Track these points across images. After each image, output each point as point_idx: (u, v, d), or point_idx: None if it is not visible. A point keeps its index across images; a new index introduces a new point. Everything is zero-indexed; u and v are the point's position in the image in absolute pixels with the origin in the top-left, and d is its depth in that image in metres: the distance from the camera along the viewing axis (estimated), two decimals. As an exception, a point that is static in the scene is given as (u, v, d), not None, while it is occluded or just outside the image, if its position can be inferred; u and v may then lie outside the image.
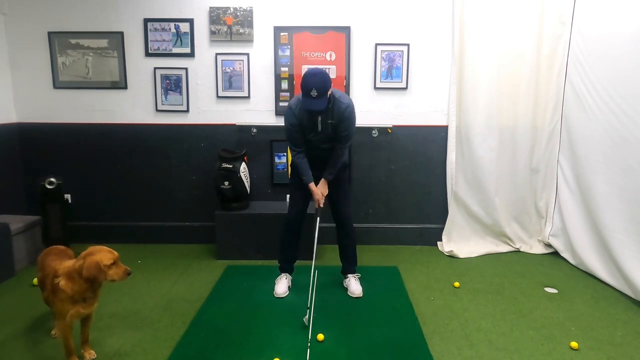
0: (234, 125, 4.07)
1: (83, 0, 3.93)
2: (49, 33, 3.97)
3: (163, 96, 4.05)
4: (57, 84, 4.05)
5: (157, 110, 4.08)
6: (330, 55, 3.96)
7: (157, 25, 3.95)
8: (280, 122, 4.04)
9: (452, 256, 3.99)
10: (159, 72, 4.01)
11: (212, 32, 3.94)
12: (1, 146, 3.96)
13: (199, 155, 4.14)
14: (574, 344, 2.58)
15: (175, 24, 3.95)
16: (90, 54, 4.00)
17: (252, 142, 4.09)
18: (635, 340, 2.66)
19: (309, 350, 2.51)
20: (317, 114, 2.88)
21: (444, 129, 4.05)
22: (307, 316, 2.76)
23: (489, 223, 4.10)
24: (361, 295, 3.18)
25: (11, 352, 2.50)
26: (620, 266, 3.22)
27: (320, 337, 2.62)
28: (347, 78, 3.99)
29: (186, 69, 4.00)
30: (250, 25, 3.92)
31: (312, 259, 3.84)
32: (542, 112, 3.97)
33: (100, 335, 2.64)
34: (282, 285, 3.22)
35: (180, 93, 4.04)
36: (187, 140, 4.13)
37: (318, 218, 3.15)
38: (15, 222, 3.63)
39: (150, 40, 3.97)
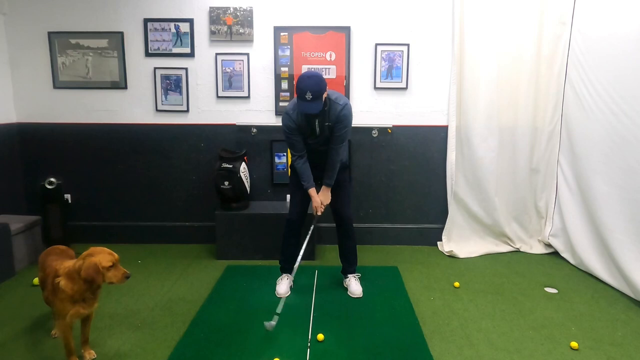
0: (234, 125, 4.07)
1: (83, 0, 3.93)
2: (49, 33, 3.97)
3: (163, 96, 4.05)
4: (57, 84, 4.05)
5: (157, 110, 4.08)
6: (330, 55, 3.96)
7: (157, 25, 3.95)
8: (280, 122, 4.03)
9: (452, 256, 3.99)
10: (159, 72, 4.01)
11: (212, 32, 3.94)
12: (1, 146, 3.96)
13: (199, 155, 4.14)
14: (574, 344, 2.58)
15: (175, 24, 3.95)
16: (90, 54, 4.00)
17: (252, 142, 4.09)
18: (635, 340, 2.66)
19: (309, 350, 2.51)
20: (313, 117, 2.87)
21: (444, 129, 4.05)
22: (273, 322, 2.69)
23: (489, 223, 4.10)
24: (361, 295, 3.18)
25: (11, 352, 2.50)
26: (620, 266, 3.22)
27: (320, 337, 2.62)
28: (347, 78, 3.99)
29: (186, 69, 4.00)
30: (250, 25, 3.92)
31: (312, 259, 3.85)
32: (542, 112, 3.97)
33: (100, 335, 2.64)
34: (283, 286, 3.22)
35: (180, 93, 4.04)
36: (187, 140, 4.13)
37: (312, 226, 3.18)
38: (15, 222, 3.63)
39: (150, 40, 3.97)
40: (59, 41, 3.98)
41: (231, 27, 3.93)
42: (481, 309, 3.04)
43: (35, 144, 4.14)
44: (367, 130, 4.03)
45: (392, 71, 3.99)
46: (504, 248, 4.14)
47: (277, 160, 4.12)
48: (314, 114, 2.79)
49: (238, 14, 3.91)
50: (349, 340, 2.63)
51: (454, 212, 4.07)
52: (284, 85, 4.01)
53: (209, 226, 4.05)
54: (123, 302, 3.09)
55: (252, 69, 4.00)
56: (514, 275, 3.60)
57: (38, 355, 2.48)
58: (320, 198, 3.09)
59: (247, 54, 3.97)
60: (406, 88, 4.02)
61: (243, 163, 3.88)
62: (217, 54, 3.97)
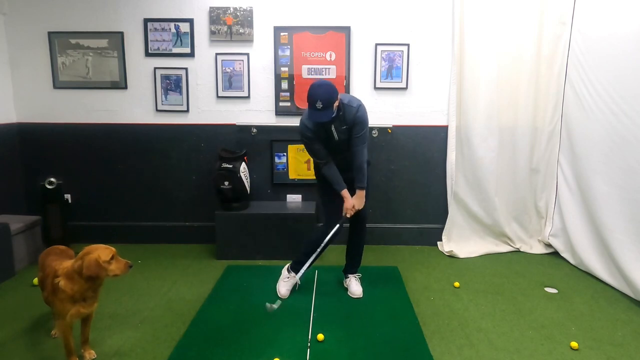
0: (234, 125, 4.07)
1: (83, 0, 3.93)
2: (49, 33, 3.97)
3: (163, 96, 4.05)
4: (57, 84, 4.05)
5: (157, 110, 4.08)
6: (330, 55, 3.96)
7: (157, 25, 3.95)
8: (280, 122, 4.05)
9: (452, 256, 3.99)
10: (159, 72, 4.01)
11: (212, 32, 3.94)
12: (1, 146, 3.96)
13: (199, 155, 4.14)
14: (574, 344, 2.58)
15: (175, 24, 3.95)
16: (90, 54, 4.00)
17: (252, 142, 4.09)
18: (635, 340, 2.66)
19: (309, 350, 2.51)
20: (328, 123, 2.85)
21: (444, 129, 4.05)
22: (275, 305, 2.74)
23: (489, 223, 4.10)
24: (361, 295, 3.18)
25: (11, 352, 2.50)
26: (620, 266, 3.22)
27: (320, 337, 2.62)
28: (347, 78, 3.99)
29: (186, 69, 4.00)
30: (250, 25, 3.92)
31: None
32: (542, 112, 3.96)
33: (100, 335, 2.64)
34: (288, 285, 3.20)
35: (180, 93, 4.04)
36: (187, 140, 4.13)
37: (337, 226, 3.00)
38: (15, 222, 3.63)
39: (150, 40, 3.97)
40: (59, 41, 3.98)
41: (231, 27, 3.93)
42: (481, 309, 3.04)
43: (35, 144, 4.14)
44: (367, 130, 4.03)
45: (392, 71, 3.99)
46: (504, 248, 4.14)
47: (277, 160, 4.12)
48: (325, 122, 2.77)
49: (238, 14, 3.91)
50: (349, 340, 2.63)
51: (454, 212, 4.07)
52: (284, 85, 4.01)
53: (209, 226, 4.05)
54: (123, 302, 3.09)
55: (252, 69, 4.00)
56: (514, 275, 3.60)
57: (38, 355, 2.48)
58: (354, 202, 2.99)
59: (247, 54, 3.97)
60: (406, 88, 4.02)
61: (243, 163, 3.88)
62: (217, 54, 3.97)
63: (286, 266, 3.29)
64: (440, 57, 3.97)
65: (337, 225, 3.01)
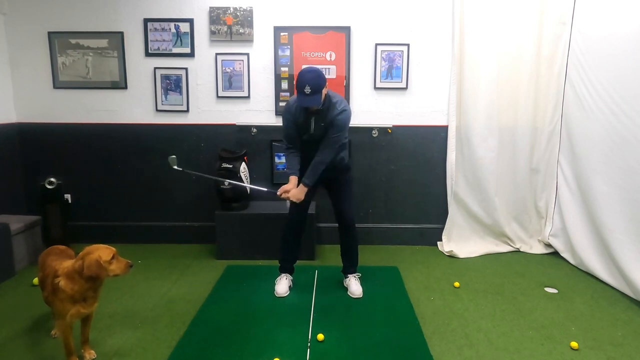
0: (234, 125, 4.07)
1: (83, 0, 3.93)
2: (49, 33, 3.97)
3: (163, 96, 4.05)
4: (57, 84, 4.05)
5: (157, 110, 4.08)
6: (330, 55, 3.96)
7: (157, 25, 3.95)
8: (280, 122, 4.01)
9: (452, 256, 3.99)
10: (159, 72, 4.01)
11: (212, 32, 3.94)
12: (1, 146, 3.96)
13: (199, 155, 4.14)
14: (574, 344, 2.58)
15: (175, 24, 3.95)
16: (90, 54, 4.00)
17: (252, 142, 4.09)
18: (635, 340, 2.66)
19: (309, 350, 2.51)
20: (311, 115, 2.90)
21: (444, 129, 4.05)
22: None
23: (489, 223, 4.10)
24: (361, 295, 3.18)
25: (11, 352, 2.50)
26: (620, 266, 3.22)
27: (320, 337, 2.61)
28: (347, 78, 3.99)
29: (186, 69, 4.00)
30: (250, 25, 3.92)
31: (312, 259, 3.85)
32: (542, 112, 3.97)
33: (100, 335, 2.64)
34: (283, 285, 3.22)
35: (180, 93, 4.04)
36: (187, 140, 4.13)
37: (289, 205, 3.22)
38: (15, 222, 3.63)
39: (150, 40, 3.97)
40: (59, 41, 3.98)
41: (231, 27, 3.93)
42: (481, 309, 3.04)
43: (35, 144, 4.14)
44: (367, 130, 4.03)
45: (392, 71, 3.99)
46: (504, 248, 4.14)
47: (277, 160, 4.12)
48: (313, 107, 2.81)
49: (238, 14, 3.91)
50: (349, 340, 2.63)
51: (454, 212, 4.07)
52: (284, 85, 4.01)
53: (209, 226, 4.05)
54: (123, 302, 3.09)
55: (252, 69, 4.00)
56: (514, 275, 3.60)
57: (38, 355, 2.48)
58: (294, 191, 2.98)
59: (247, 54, 3.97)
60: (406, 88, 4.02)
61: (243, 163, 3.88)
62: (217, 54, 3.97)
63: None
64: (440, 57, 3.97)
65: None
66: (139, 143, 4.13)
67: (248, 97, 4.05)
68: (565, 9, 3.75)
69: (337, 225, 3.25)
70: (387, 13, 3.92)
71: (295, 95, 2.93)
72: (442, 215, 4.14)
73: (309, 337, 2.63)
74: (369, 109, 4.05)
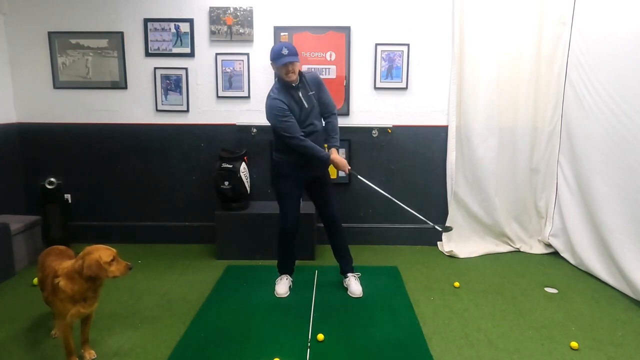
0: (234, 125, 4.07)
1: (83, 0, 3.93)
2: (49, 33, 3.97)
3: (163, 96, 4.05)
4: (57, 84, 4.05)
5: (157, 110, 4.08)
6: (330, 55, 3.96)
7: (157, 25, 3.95)
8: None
9: (452, 256, 3.99)
10: (159, 72, 4.01)
11: (212, 32, 3.94)
12: (1, 146, 3.96)
13: (199, 155, 4.14)
14: (574, 344, 2.58)
15: (175, 24, 3.95)
16: (90, 54, 4.00)
17: (252, 142, 4.09)
18: (635, 340, 2.66)
19: (309, 350, 2.51)
20: (296, 92, 2.94)
21: (444, 129, 4.05)
22: None
23: (489, 223, 4.10)
24: (361, 295, 3.18)
25: (11, 352, 2.50)
26: (620, 266, 3.22)
27: (320, 337, 2.61)
28: (347, 78, 3.99)
29: (186, 69, 4.00)
30: (250, 25, 3.92)
31: (311, 259, 3.84)
32: (542, 112, 3.96)
33: (100, 335, 2.64)
34: (283, 286, 3.22)
35: (180, 93, 4.04)
36: (187, 140, 4.13)
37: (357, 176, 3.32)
38: (15, 222, 3.63)
39: (150, 40, 3.97)
40: (59, 41, 3.98)
41: (231, 27, 3.93)
42: (481, 309, 3.04)
43: (35, 144, 4.14)
44: (367, 130, 4.03)
45: (392, 71, 3.99)
46: (504, 248, 4.13)
47: (277, 160, 4.12)
48: (295, 63, 2.88)
49: (238, 14, 3.91)
50: (349, 340, 2.63)
51: (454, 212, 4.07)
52: (284, 85, 4.00)
53: (209, 226, 4.05)
54: (123, 301, 3.09)
55: (252, 69, 4.00)
56: (514, 275, 3.60)
57: (38, 355, 2.48)
58: (339, 158, 3.09)
59: (247, 54, 3.97)
60: (406, 88, 4.02)
61: (243, 163, 3.88)
62: (217, 54, 3.97)
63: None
64: (440, 57, 3.97)
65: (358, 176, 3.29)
66: (139, 143, 4.13)
67: (248, 97, 4.05)
68: (565, 9, 3.75)
69: (325, 225, 3.25)
70: (387, 13, 3.92)
71: (271, 90, 2.99)
72: (442, 215, 4.14)
73: (309, 337, 2.63)
74: (369, 109, 4.05)
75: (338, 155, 3.10)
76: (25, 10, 3.96)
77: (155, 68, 4.01)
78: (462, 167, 4.02)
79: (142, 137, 4.12)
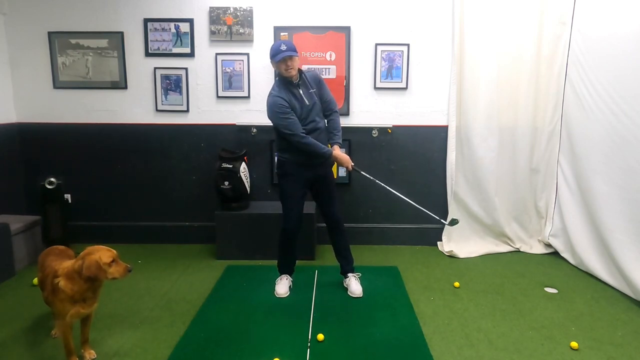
0: (234, 125, 4.07)
1: (83, 0, 3.93)
2: (49, 33, 3.97)
3: (163, 96, 4.05)
4: (57, 84, 4.05)
5: (157, 110, 4.08)
6: (330, 55, 3.96)
7: (157, 25, 3.95)
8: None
9: (452, 256, 3.99)
10: (159, 72, 4.01)
11: (212, 32, 3.94)
12: (1, 146, 3.96)
13: (199, 155, 4.14)
14: (574, 344, 2.58)
15: (175, 24, 3.95)
16: (90, 54, 4.00)
17: (252, 142, 4.09)
18: (635, 340, 2.66)
19: (309, 350, 2.51)
20: (297, 89, 2.95)
21: (444, 129, 4.05)
22: None
23: (489, 223, 4.10)
24: (361, 295, 3.18)
25: (11, 352, 2.50)
26: (620, 266, 3.22)
27: (320, 337, 2.61)
28: (347, 78, 3.99)
29: (186, 69, 4.00)
30: (250, 25, 3.92)
31: (311, 259, 3.84)
32: (542, 112, 3.96)
33: (100, 335, 2.64)
34: (283, 286, 3.22)
35: (180, 93, 4.04)
36: (187, 140, 4.13)
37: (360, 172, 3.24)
38: (15, 222, 3.63)
39: (150, 40, 3.97)
40: (59, 41, 3.98)
41: (231, 27, 3.93)
42: (481, 309, 3.04)
43: (35, 144, 4.14)
44: (367, 130, 4.03)
45: (392, 71, 3.99)
46: (504, 248, 4.13)
47: (277, 160, 4.11)
48: (294, 58, 2.89)
49: (238, 14, 3.91)
50: (349, 340, 2.63)
51: (454, 212, 4.06)
52: (284, 85, 4.00)
53: (209, 226, 4.05)
54: (123, 302, 3.09)
55: (252, 69, 4.00)
56: (514, 275, 3.60)
57: (38, 355, 2.48)
58: (342, 154, 3.09)
59: (247, 54, 3.97)
60: (406, 88, 4.02)
61: (243, 163, 3.88)
62: (217, 54, 3.97)
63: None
64: (440, 57, 3.97)
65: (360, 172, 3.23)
66: (139, 143, 4.14)
67: (248, 97, 4.05)
68: (565, 9, 3.75)
69: (327, 225, 3.25)
70: (387, 13, 3.92)
71: (272, 89, 2.99)
72: (442, 215, 4.11)
73: (309, 337, 2.63)
74: (369, 109, 4.05)
75: (341, 152, 3.10)
76: (25, 10, 3.96)
77: (155, 68, 4.01)
78: (462, 167, 4.02)
79: (142, 137, 4.12)
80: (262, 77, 4.01)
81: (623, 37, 3.19)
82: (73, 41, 3.98)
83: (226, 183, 3.77)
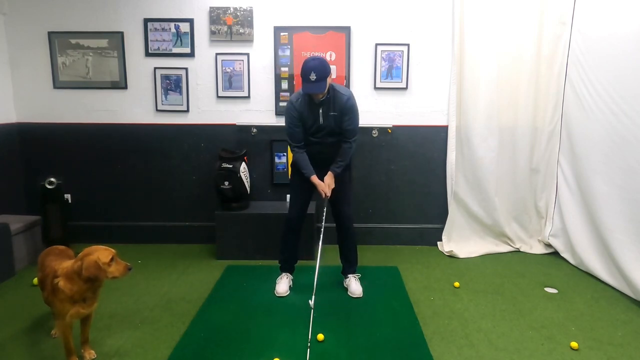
0: (234, 125, 4.07)
1: (83, 0, 3.93)
2: (49, 33, 3.97)
3: (163, 96, 4.05)
4: (57, 84, 4.05)
5: (157, 110, 4.08)
6: (330, 55, 3.96)
7: (157, 25, 3.95)
8: (280, 122, 4.04)
9: (452, 256, 3.99)
10: (159, 72, 4.01)
11: (212, 32, 3.94)
12: (1, 146, 3.96)
13: (199, 155, 4.14)
14: (574, 344, 2.58)
15: (175, 24, 3.95)
16: (90, 54, 4.00)
17: (252, 142, 4.09)
18: (635, 340, 2.66)
19: (309, 350, 2.51)
20: (318, 106, 2.90)
21: (444, 129, 4.05)
22: (311, 301, 2.68)
23: (489, 223, 4.10)
24: (361, 295, 3.18)
25: (11, 352, 2.50)
26: (620, 266, 3.22)
27: (320, 337, 2.62)
28: (347, 78, 3.99)
29: (186, 69, 4.00)
30: (250, 25, 3.92)
31: (311, 259, 3.84)
32: (542, 112, 3.96)
33: (100, 335, 2.64)
34: (283, 285, 3.22)
35: (180, 93, 4.04)
36: (187, 140, 4.13)
37: (325, 208, 3.13)
38: (15, 222, 3.63)
39: (150, 40, 3.97)
40: (59, 41, 3.98)
41: (231, 27, 3.93)
42: (481, 309, 3.04)
43: (35, 144, 4.14)
44: (367, 130, 4.03)
45: (392, 71, 3.99)
46: (504, 248, 4.14)
47: (277, 160, 4.12)
48: (318, 95, 2.82)
49: (238, 14, 3.91)
50: (349, 340, 2.63)
51: (454, 212, 4.07)
52: (284, 85, 4.01)
53: (209, 226, 4.05)
54: (123, 301, 3.09)
55: (252, 69, 4.00)
56: (514, 275, 3.60)
57: (38, 355, 2.48)
58: (327, 181, 3.04)
59: (247, 54, 3.97)
60: (406, 88, 4.02)
61: (243, 163, 3.88)
62: (217, 54, 3.97)
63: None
64: (440, 57, 3.97)
65: (324, 209, 3.12)
66: (139, 143, 4.13)
67: (248, 97, 4.05)
68: (565, 9, 3.75)
69: (336, 225, 3.25)
70: (387, 13, 3.92)
71: (296, 93, 2.96)
72: (442, 215, 4.14)
73: (309, 337, 2.62)
74: (369, 109, 4.04)
75: (323, 180, 3.04)
76: (25, 10, 3.96)
77: (155, 68, 4.01)
78: (462, 167, 4.02)
79: (142, 137, 4.12)
80: (262, 77, 4.01)
81: (623, 37, 3.19)
82: (73, 41, 3.98)
83: (226, 183, 3.77)
